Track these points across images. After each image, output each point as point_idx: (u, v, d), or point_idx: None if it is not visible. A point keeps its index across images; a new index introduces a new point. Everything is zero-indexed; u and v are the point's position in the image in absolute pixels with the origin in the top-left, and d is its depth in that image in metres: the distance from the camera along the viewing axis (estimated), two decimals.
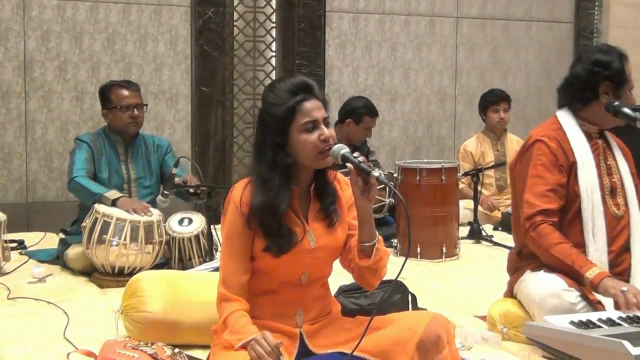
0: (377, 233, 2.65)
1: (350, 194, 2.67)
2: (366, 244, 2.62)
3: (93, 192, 4.65)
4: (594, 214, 3.38)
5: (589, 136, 3.52)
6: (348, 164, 2.52)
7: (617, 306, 3.09)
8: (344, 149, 2.55)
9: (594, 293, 3.24)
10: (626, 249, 3.41)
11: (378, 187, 5.61)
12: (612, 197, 3.46)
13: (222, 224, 2.69)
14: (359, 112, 6.11)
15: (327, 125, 2.59)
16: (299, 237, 2.61)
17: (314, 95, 2.59)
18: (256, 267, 2.64)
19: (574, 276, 3.26)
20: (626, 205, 3.47)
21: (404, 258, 5.24)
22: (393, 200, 5.73)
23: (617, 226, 3.44)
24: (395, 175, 5.60)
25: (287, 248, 2.58)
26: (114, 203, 4.57)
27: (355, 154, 2.54)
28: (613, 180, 3.48)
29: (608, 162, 3.51)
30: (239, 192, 2.62)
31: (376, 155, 6.67)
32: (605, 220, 3.39)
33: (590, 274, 3.19)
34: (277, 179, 2.55)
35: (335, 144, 2.58)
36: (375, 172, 2.48)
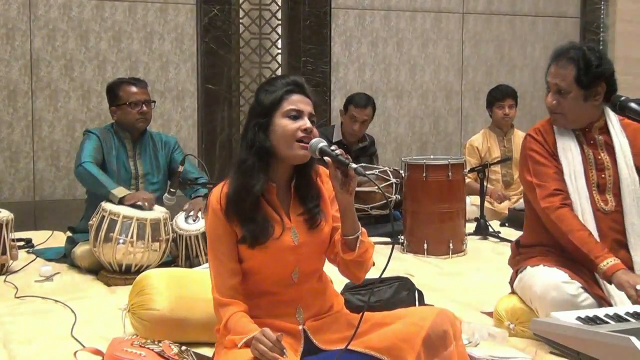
0: (361, 225, 2.64)
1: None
2: (349, 237, 2.61)
3: (101, 183, 4.64)
4: (580, 200, 3.41)
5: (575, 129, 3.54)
6: (326, 158, 2.52)
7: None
8: (322, 143, 2.55)
9: (603, 285, 3.24)
10: (618, 245, 3.40)
11: (384, 184, 5.68)
12: (600, 193, 3.45)
13: (205, 230, 2.71)
14: (346, 101, 6.27)
15: (312, 122, 2.61)
16: (277, 233, 2.60)
17: (304, 92, 2.63)
18: (245, 268, 2.64)
19: (589, 266, 3.26)
20: (619, 201, 3.45)
21: (411, 254, 5.28)
22: (400, 197, 5.72)
23: (605, 221, 3.43)
24: (402, 172, 5.60)
25: (262, 238, 2.57)
26: (120, 201, 4.58)
27: (333, 147, 2.54)
28: (602, 176, 3.47)
29: (599, 157, 3.50)
30: (216, 196, 2.64)
31: (376, 148, 6.64)
32: (593, 212, 3.40)
33: (604, 265, 3.19)
34: (251, 159, 2.57)
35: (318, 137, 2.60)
36: (353, 165, 2.48)
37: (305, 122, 2.58)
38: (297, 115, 2.58)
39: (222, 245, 2.62)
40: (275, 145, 2.58)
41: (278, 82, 2.63)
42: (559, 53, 3.50)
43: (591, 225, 3.36)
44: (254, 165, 2.57)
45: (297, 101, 2.59)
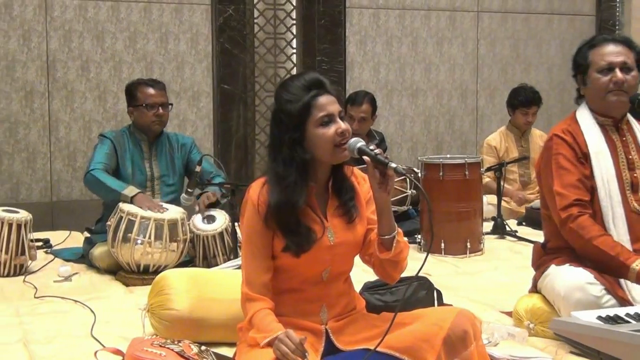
0: (397, 225, 2.64)
1: (368, 188, 2.67)
2: (386, 237, 2.62)
3: (110, 188, 4.67)
4: (612, 204, 3.35)
5: (604, 129, 3.49)
6: (365, 157, 2.53)
7: None
8: (360, 142, 2.56)
9: (626, 288, 3.22)
10: None
11: (398, 179, 5.68)
12: (633, 193, 3.41)
13: (240, 224, 2.71)
14: (345, 102, 6.30)
15: (342, 119, 2.60)
16: (318, 235, 2.61)
17: (327, 90, 2.61)
18: (277, 265, 2.65)
19: (617, 268, 3.22)
20: None
21: (427, 253, 5.27)
22: (415, 192, 5.70)
23: (638, 222, 3.39)
24: (418, 170, 5.59)
25: (306, 247, 2.59)
26: (132, 200, 4.59)
27: (372, 147, 2.54)
28: (635, 175, 3.44)
29: (630, 157, 3.47)
30: (256, 192, 2.63)
31: (387, 145, 6.63)
32: (625, 213, 3.36)
33: (637, 264, 3.16)
34: (293, 175, 2.56)
35: (352, 137, 2.59)
36: (393, 164, 2.49)
37: (340, 125, 2.57)
38: (329, 120, 2.57)
39: (258, 240, 2.62)
40: (315, 154, 2.58)
41: (297, 87, 2.59)
42: (608, 37, 3.47)
43: (623, 229, 3.32)
44: (297, 182, 2.56)
45: (325, 105, 2.57)
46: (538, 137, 6.75)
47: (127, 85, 5.06)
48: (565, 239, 3.38)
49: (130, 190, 4.64)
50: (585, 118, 3.50)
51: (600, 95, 3.44)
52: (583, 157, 3.41)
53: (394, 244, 2.62)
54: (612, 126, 3.51)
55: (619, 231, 3.31)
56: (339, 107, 2.61)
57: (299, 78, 2.63)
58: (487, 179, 6.27)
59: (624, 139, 3.50)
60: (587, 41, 3.54)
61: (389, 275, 2.71)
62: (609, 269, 3.25)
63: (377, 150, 2.53)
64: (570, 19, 8.94)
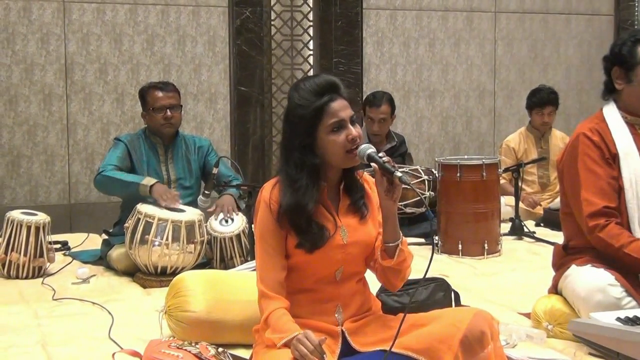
0: (402, 234, 2.65)
1: None
2: (390, 244, 2.63)
3: (126, 182, 4.67)
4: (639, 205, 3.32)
5: (633, 128, 3.45)
6: (373, 164, 2.53)
7: None
8: (370, 149, 2.57)
9: None
10: None
11: (416, 181, 5.65)
12: None
13: (254, 224, 2.72)
14: (362, 103, 6.31)
15: (353, 124, 2.60)
16: (331, 232, 2.62)
17: (340, 94, 2.60)
18: (290, 264, 2.65)
19: None
20: None
21: (445, 255, 5.25)
22: (434, 194, 5.68)
23: None
24: (435, 171, 5.57)
25: (319, 244, 2.60)
26: (151, 191, 4.60)
27: (381, 154, 2.55)
28: None
29: None
30: (269, 191, 2.65)
31: (407, 148, 6.59)
32: None
33: None
34: (304, 179, 2.58)
35: (363, 143, 2.60)
36: (398, 173, 2.49)
37: (350, 131, 2.57)
38: (339, 126, 2.57)
39: (271, 239, 2.63)
40: (324, 158, 2.59)
41: (309, 92, 2.58)
42: None
43: None
44: (307, 186, 2.58)
45: (336, 111, 2.57)
46: (559, 139, 6.70)
47: (140, 90, 5.07)
48: (594, 245, 3.34)
49: (149, 180, 4.64)
50: (613, 117, 3.43)
51: None
52: (611, 158, 3.35)
53: (397, 252, 2.62)
54: None
55: None
56: (350, 111, 2.61)
57: (311, 81, 2.62)
58: (503, 180, 6.23)
59: None
60: (632, 34, 3.42)
61: (390, 283, 2.72)
62: None
63: (386, 158, 2.54)
64: (588, 19, 8.90)
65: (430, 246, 5.36)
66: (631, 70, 3.36)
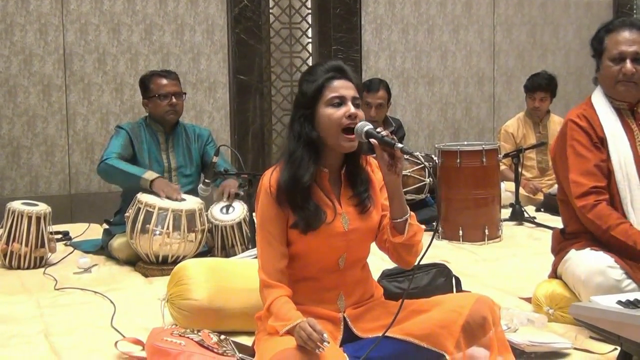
0: (409, 209, 2.64)
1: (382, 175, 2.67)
2: (398, 220, 2.62)
3: (129, 173, 4.68)
4: (631, 186, 3.33)
5: (620, 112, 3.47)
6: (372, 140, 2.54)
7: None
8: (368, 126, 2.58)
9: None
10: None
11: (416, 168, 5.66)
12: None
13: (255, 212, 2.73)
14: None
15: (356, 106, 2.61)
16: (329, 218, 2.62)
17: (346, 76, 2.64)
18: (292, 252, 2.66)
19: (636, 257, 3.21)
20: None
21: (446, 241, 5.26)
22: (433, 180, 5.68)
23: None
24: (435, 158, 5.57)
25: (314, 224, 2.60)
26: (151, 185, 4.61)
27: (379, 129, 2.56)
28: None
29: None
30: (268, 177, 2.66)
31: (404, 131, 6.60)
32: None
33: None
34: (300, 151, 2.60)
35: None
36: (399, 144, 2.50)
37: (349, 108, 2.59)
38: (340, 101, 2.59)
39: (272, 227, 2.63)
40: (323, 135, 2.61)
41: (318, 70, 2.64)
42: (626, 22, 3.43)
43: None
44: (303, 156, 2.60)
45: (338, 87, 2.60)
46: (557, 123, 6.69)
47: (140, 78, 5.08)
48: (585, 226, 3.37)
49: (150, 175, 4.66)
50: (600, 102, 3.48)
51: (609, 84, 3.44)
52: (599, 142, 3.39)
53: (407, 227, 2.61)
54: (628, 110, 3.49)
55: (638, 214, 3.30)
56: (354, 93, 2.63)
57: (323, 64, 2.68)
58: (503, 166, 6.23)
59: (639, 122, 3.48)
60: (605, 24, 3.50)
61: (403, 259, 2.71)
62: (629, 256, 3.24)
63: (384, 132, 2.54)
64: (587, 4, 8.88)
65: (431, 232, 5.40)
66: (599, 58, 3.47)
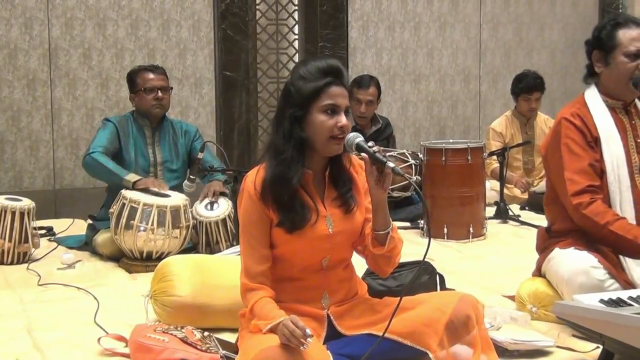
0: (392, 221, 2.65)
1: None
2: (380, 232, 2.62)
3: (112, 171, 4.71)
4: (621, 188, 3.34)
5: (614, 111, 3.47)
6: (363, 154, 2.53)
7: None
8: (359, 138, 2.57)
9: (628, 271, 3.22)
10: None
11: (403, 165, 5.66)
12: None
13: (238, 214, 2.71)
14: (349, 85, 6.23)
15: (346, 115, 2.60)
16: (313, 219, 2.61)
17: (343, 83, 2.61)
18: (276, 254, 2.65)
19: (635, 252, 3.23)
20: None
21: (431, 239, 5.26)
22: (420, 178, 5.69)
23: None
24: (421, 155, 5.58)
25: (299, 224, 2.59)
26: (134, 186, 4.62)
27: (370, 144, 2.55)
28: None
29: (638, 140, 3.45)
30: (252, 178, 2.64)
31: (392, 130, 6.62)
32: (633, 197, 3.35)
33: None
34: (290, 151, 2.57)
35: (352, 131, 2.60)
36: (391, 164, 2.48)
37: (342, 119, 2.57)
38: (334, 110, 2.57)
39: (255, 230, 2.62)
40: (311, 137, 2.58)
41: (316, 69, 2.58)
42: (634, 19, 3.41)
43: (630, 214, 3.30)
44: (293, 158, 2.57)
45: (335, 95, 2.57)
46: (543, 121, 6.71)
47: (128, 73, 5.12)
48: (578, 224, 3.36)
49: (132, 177, 4.67)
50: (594, 101, 3.46)
51: (621, 80, 3.40)
52: (593, 142, 3.38)
53: (388, 240, 2.62)
54: (622, 109, 3.49)
55: (627, 215, 3.31)
56: (347, 102, 2.61)
57: (321, 60, 2.63)
58: (496, 164, 6.21)
59: (633, 122, 3.48)
60: (612, 18, 3.46)
61: (381, 269, 2.72)
62: (627, 251, 3.25)
63: (375, 148, 2.53)
64: (573, 3, 8.90)
65: (417, 230, 5.43)
66: (609, 53, 3.41)
